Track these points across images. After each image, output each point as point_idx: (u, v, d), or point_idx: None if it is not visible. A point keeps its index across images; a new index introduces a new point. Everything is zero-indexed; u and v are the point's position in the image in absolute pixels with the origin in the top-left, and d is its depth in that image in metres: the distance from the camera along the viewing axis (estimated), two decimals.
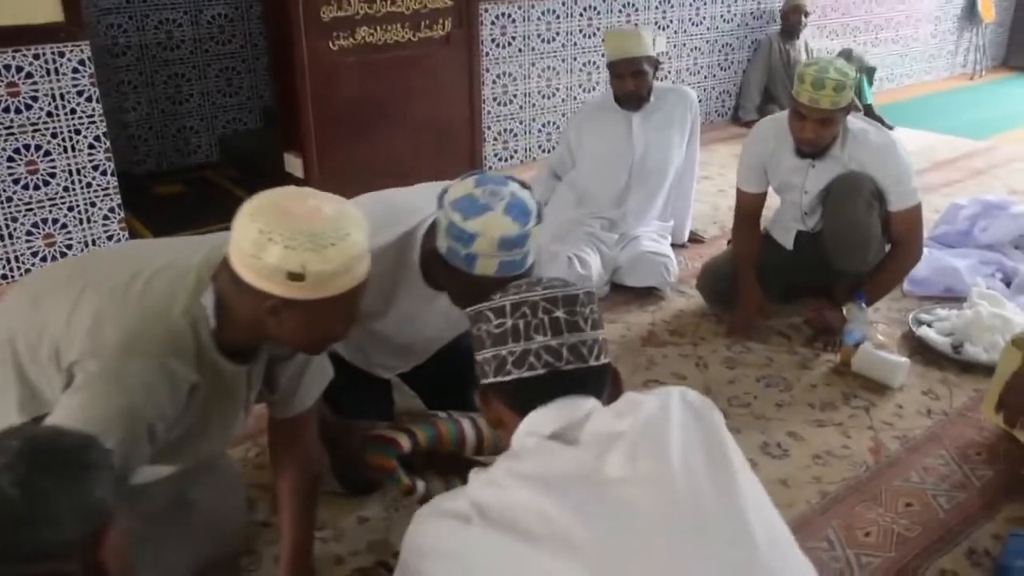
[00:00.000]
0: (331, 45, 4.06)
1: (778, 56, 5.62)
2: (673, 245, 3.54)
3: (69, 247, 3.64)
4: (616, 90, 3.29)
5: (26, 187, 3.47)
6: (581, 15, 4.87)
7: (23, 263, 3.54)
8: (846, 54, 5.55)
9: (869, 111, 5.27)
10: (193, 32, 4.94)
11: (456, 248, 1.61)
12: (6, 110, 3.35)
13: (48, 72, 3.39)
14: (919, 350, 2.79)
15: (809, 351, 2.81)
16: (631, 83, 3.23)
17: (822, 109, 2.57)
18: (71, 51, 3.42)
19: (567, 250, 3.20)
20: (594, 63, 5.00)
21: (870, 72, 5.74)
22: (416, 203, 1.83)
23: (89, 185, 3.62)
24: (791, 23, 5.59)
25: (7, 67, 3.31)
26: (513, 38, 4.67)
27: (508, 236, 1.58)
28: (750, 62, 5.78)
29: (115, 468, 1.02)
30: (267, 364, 1.60)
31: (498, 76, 4.70)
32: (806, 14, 5.59)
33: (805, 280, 2.97)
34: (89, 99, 3.51)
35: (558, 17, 4.77)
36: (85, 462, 0.97)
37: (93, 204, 3.65)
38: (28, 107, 3.39)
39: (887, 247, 2.79)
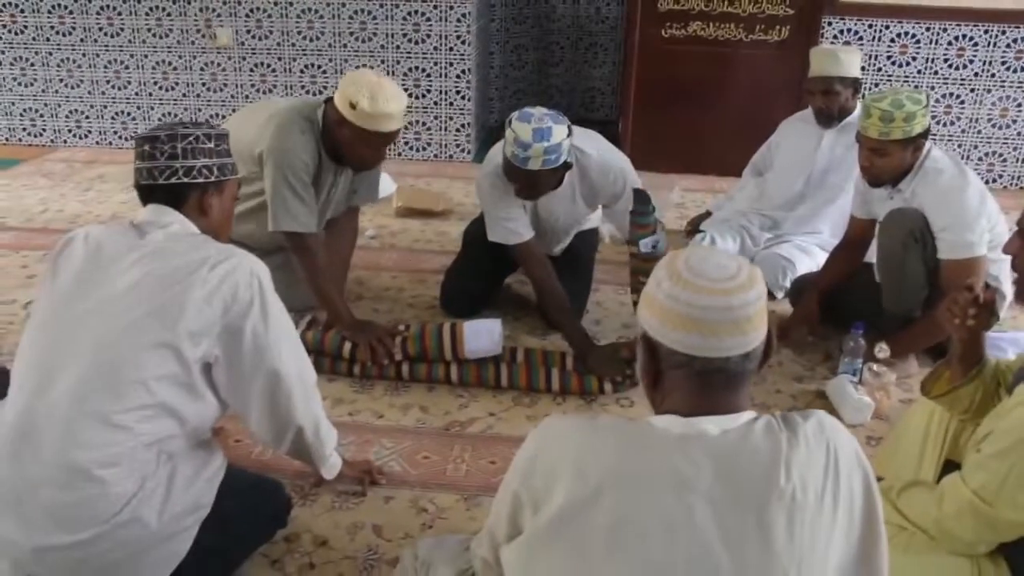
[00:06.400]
0: (663, 33, 4.76)
1: None
2: None
3: (428, 145, 5.08)
4: (810, 105, 3.48)
5: (417, 97, 4.96)
6: (950, 44, 4.67)
7: (397, 150, 5.07)
8: None
9: None
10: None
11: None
12: (409, 40, 4.85)
13: (440, 19, 4.79)
14: None
15: (827, 371, 2.86)
16: (820, 101, 3.39)
17: (869, 138, 2.62)
18: (458, 6, 4.76)
19: (712, 231, 3.60)
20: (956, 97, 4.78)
21: None
22: None
23: (451, 104, 4.99)
24: None
25: (415, 11, 4.78)
26: None
27: (522, 139, 2.45)
28: None
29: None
30: (349, 181, 2.88)
31: None
32: None
33: (871, 313, 2.94)
34: (464, 42, 4.83)
35: (917, 41, 4.68)
36: (221, 135, 1.79)
37: (451, 118, 5.02)
38: (423, 41, 4.85)
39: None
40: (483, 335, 2.55)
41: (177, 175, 1.72)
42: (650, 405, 1.25)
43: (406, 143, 5.07)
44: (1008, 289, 2.70)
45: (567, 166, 2.61)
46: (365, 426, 2.45)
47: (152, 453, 1.58)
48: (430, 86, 4.94)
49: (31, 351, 1.61)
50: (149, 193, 1.75)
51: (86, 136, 5.29)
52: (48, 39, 5.05)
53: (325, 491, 2.12)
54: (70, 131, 5.29)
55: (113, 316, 1.58)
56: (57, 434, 1.50)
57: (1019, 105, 4.77)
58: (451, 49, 4.85)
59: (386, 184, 4.43)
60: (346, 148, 2.64)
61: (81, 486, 1.49)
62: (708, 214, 3.94)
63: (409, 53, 4.87)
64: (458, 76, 4.91)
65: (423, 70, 4.91)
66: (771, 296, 3.43)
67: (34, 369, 1.57)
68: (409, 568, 1.69)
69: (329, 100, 2.64)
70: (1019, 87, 4.73)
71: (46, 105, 5.23)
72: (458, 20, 4.79)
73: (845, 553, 1.16)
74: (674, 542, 1.08)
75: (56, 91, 5.18)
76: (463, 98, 4.97)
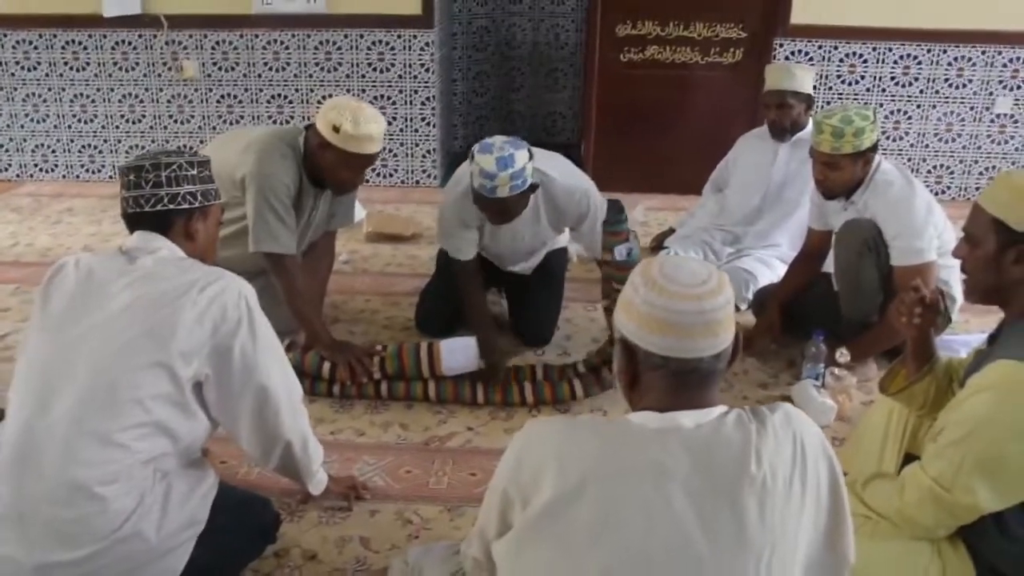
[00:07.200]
0: (621, 57, 4.91)
1: None
2: None
3: (395, 171, 5.16)
4: (765, 119, 3.62)
5: None
6: (896, 63, 4.87)
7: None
8: None
9: None
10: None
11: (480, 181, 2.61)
12: (374, 69, 4.94)
13: (404, 48, 4.89)
14: None
15: (791, 377, 2.96)
16: (774, 113, 3.53)
17: (821, 152, 2.76)
18: (421, 35, 4.86)
19: (675, 247, 3.72)
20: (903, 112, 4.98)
21: None
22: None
23: (416, 131, 5.08)
24: None
25: (379, 41, 4.88)
26: None
27: (487, 170, 2.55)
28: None
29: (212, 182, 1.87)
30: (328, 204, 2.96)
31: None
32: None
33: (831, 321, 3.05)
34: (428, 70, 4.93)
35: (865, 60, 4.87)
36: (203, 162, 1.85)
37: (416, 144, 5.11)
38: (388, 69, 4.94)
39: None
40: (459, 352, 2.63)
41: (163, 202, 1.78)
42: (627, 405, 1.33)
43: (373, 169, 5.14)
44: (958, 292, 2.84)
45: (533, 188, 2.71)
46: (347, 444, 2.51)
47: (148, 470, 1.63)
48: (395, 113, 5.03)
49: (25, 377, 1.66)
50: (136, 221, 1.80)
51: (52, 170, 5.29)
52: (13, 74, 5.06)
53: (312, 507, 2.17)
54: (36, 165, 5.29)
55: (108, 338, 1.63)
56: (57, 453, 1.54)
57: (962, 120, 4.97)
58: (415, 77, 4.95)
59: (356, 210, 4.49)
60: (328, 172, 2.72)
61: (82, 503, 1.54)
62: (671, 231, 4.06)
63: (374, 82, 4.96)
64: (423, 103, 5.01)
65: (388, 98, 4.99)
66: (735, 308, 3.54)
67: (30, 393, 1.62)
68: (399, 574, 1.75)
69: (310, 126, 2.72)
70: (961, 103, 4.94)
71: (11, 140, 5.23)
72: (421, 49, 4.89)
73: (813, 538, 1.24)
74: (653, 530, 1.15)
75: (22, 125, 5.19)
76: (428, 125, 5.06)
